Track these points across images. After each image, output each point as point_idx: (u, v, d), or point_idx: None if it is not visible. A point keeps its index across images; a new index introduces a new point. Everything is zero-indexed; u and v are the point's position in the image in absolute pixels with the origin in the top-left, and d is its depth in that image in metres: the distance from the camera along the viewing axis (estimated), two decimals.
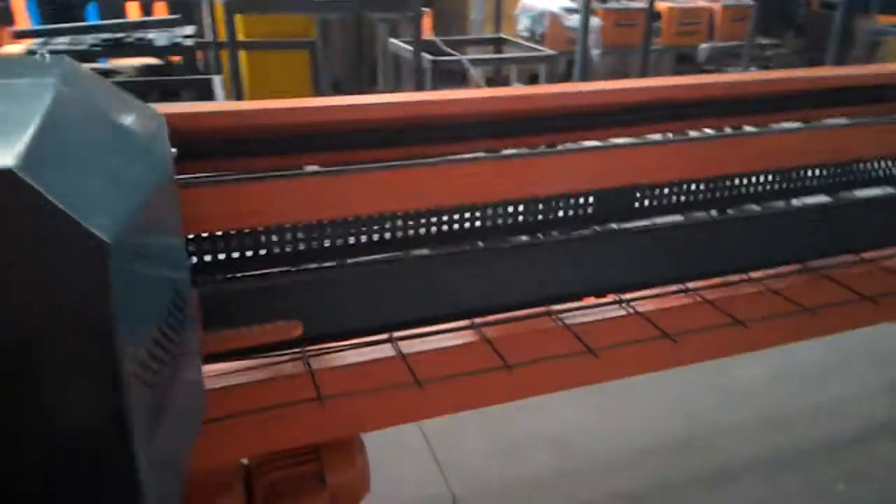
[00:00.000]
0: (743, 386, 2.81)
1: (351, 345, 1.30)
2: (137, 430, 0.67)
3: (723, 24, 6.61)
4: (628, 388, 2.55)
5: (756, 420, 2.64)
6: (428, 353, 1.30)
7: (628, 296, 1.48)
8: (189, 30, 4.61)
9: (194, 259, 1.11)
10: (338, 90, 5.97)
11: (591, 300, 1.49)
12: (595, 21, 6.10)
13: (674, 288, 1.52)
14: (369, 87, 6.05)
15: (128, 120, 0.84)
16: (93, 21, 5.42)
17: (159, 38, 4.53)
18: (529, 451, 2.46)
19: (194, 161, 1.08)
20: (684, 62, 6.94)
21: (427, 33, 8.14)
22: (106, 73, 4.01)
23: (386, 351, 1.29)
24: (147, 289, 0.74)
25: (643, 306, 1.46)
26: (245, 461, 1.32)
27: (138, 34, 4.73)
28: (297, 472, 1.32)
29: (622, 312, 1.45)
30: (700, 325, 1.44)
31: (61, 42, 4.57)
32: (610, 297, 1.49)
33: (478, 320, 1.37)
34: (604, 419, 2.63)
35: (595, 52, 6.01)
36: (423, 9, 4.98)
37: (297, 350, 1.25)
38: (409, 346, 1.30)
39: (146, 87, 4.01)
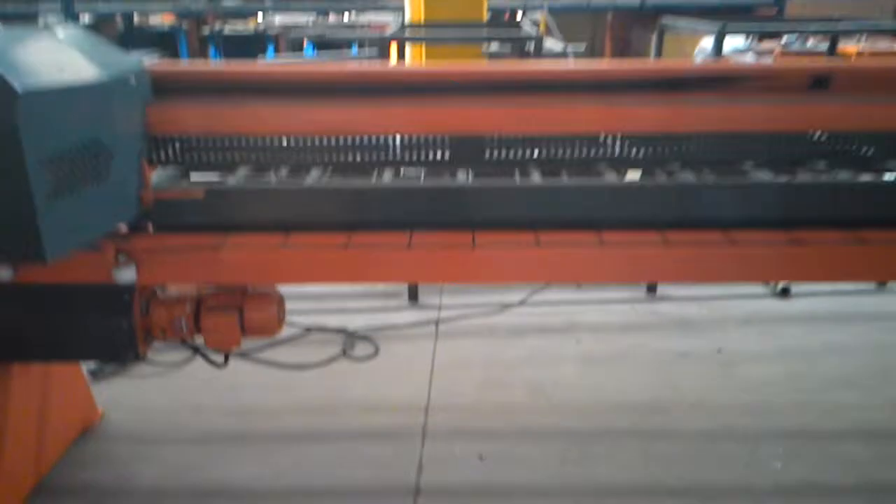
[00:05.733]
0: (742, 379, 3.04)
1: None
2: (37, 194, 1.45)
3: None
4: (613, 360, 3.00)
5: (730, 402, 2.88)
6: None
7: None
8: None
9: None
10: None
11: None
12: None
13: None
14: None
15: (95, 56, 1.66)
16: None
17: None
18: (508, 389, 2.96)
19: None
20: None
21: None
22: None
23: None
24: (56, 128, 1.50)
25: None
26: (200, 290, 2.11)
27: None
28: (227, 301, 2.07)
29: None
30: None
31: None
32: None
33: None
34: (582, 379, 3.03)
35: None
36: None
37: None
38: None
39: None
